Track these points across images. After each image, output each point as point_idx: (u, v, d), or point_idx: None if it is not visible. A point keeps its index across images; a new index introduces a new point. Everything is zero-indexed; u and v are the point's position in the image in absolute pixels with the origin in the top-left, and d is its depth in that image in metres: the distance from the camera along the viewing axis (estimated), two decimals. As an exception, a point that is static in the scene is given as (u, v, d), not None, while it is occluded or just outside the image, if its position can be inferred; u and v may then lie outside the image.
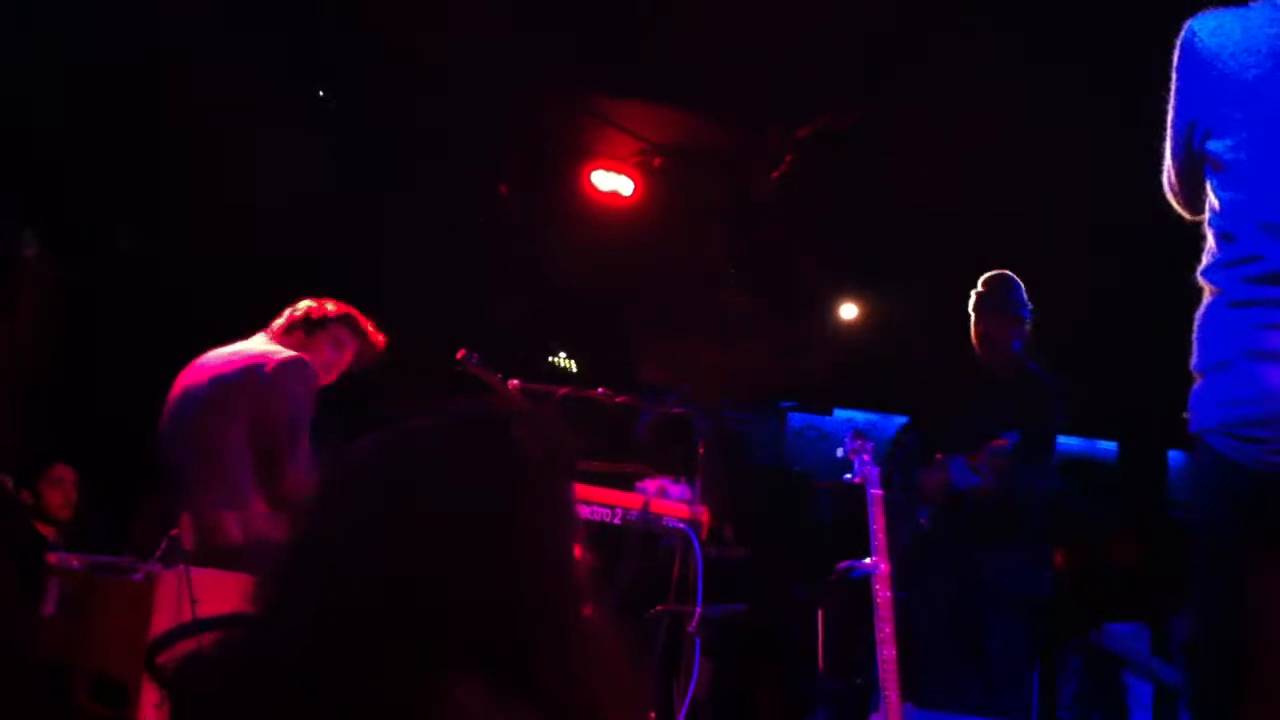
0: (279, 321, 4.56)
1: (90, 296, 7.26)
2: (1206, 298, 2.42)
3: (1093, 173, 7.06)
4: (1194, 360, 2.41)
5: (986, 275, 5.56)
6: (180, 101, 6.68)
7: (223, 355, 4.38)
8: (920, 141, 7.64)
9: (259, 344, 4.44)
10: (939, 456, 5.31)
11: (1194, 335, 2.42)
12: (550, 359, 9.30)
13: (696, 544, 4.51)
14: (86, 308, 7.22)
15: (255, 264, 7.32)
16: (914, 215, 8.31)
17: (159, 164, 7.02)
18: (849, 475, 4.72)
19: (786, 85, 7.44)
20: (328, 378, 4.54)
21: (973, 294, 5.55)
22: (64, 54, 6.49)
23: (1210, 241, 2.43)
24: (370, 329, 4.69)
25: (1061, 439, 5.58)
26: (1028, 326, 5.48)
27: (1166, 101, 2.53)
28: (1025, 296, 5.50)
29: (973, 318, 5.53)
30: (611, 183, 8.61)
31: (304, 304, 4.61)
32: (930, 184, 7.91)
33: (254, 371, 4.25)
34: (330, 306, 4.62)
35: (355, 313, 4.68)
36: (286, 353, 4.35)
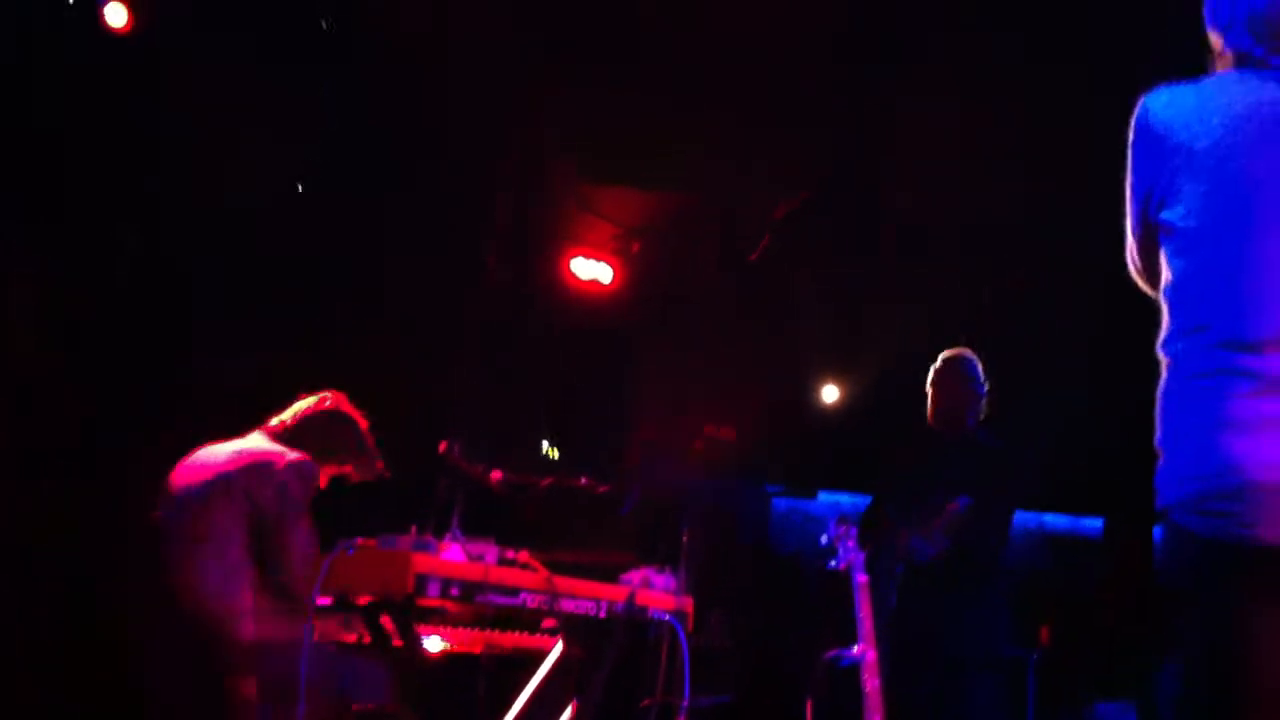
0: (285, 418, 4.55)
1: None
2: (1165, 370, 2.41)
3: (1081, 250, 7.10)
4: (1157, 435, 2.40)
5: (946, 352, 5.67)
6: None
7: (227, 451, 4.38)
8: (892, 221, 7.72)
9: (262, 442, 4.44)
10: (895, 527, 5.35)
11: (1156, 410, 2.41)
12: (543, 444, 9.27)
13: (682, 635, 4.50)
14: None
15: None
16: (892, 294, 8.36)
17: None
18: (833, 562, 4.71)
19: (763, 167, 7.51)
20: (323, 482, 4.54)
21: (932, 369, 5.65)
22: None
23: (1166, 312, 2.43)
24: (371, 444, 4.67)
25: (1050, 518, 5.62)
26: (984, 403, 5.60)
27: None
28: (982, 374, 5.62)
29: (931, 391, 5.63)
30: (591, 270, 8.67)
31: (310, 404, 4.60)
32: (906, 263, 7.98)
33: (261, 469, 4.26)
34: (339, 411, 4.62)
35: (361, 423, 4.66)
36: (294, 454, 4.35)
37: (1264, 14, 2.44)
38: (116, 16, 6.52)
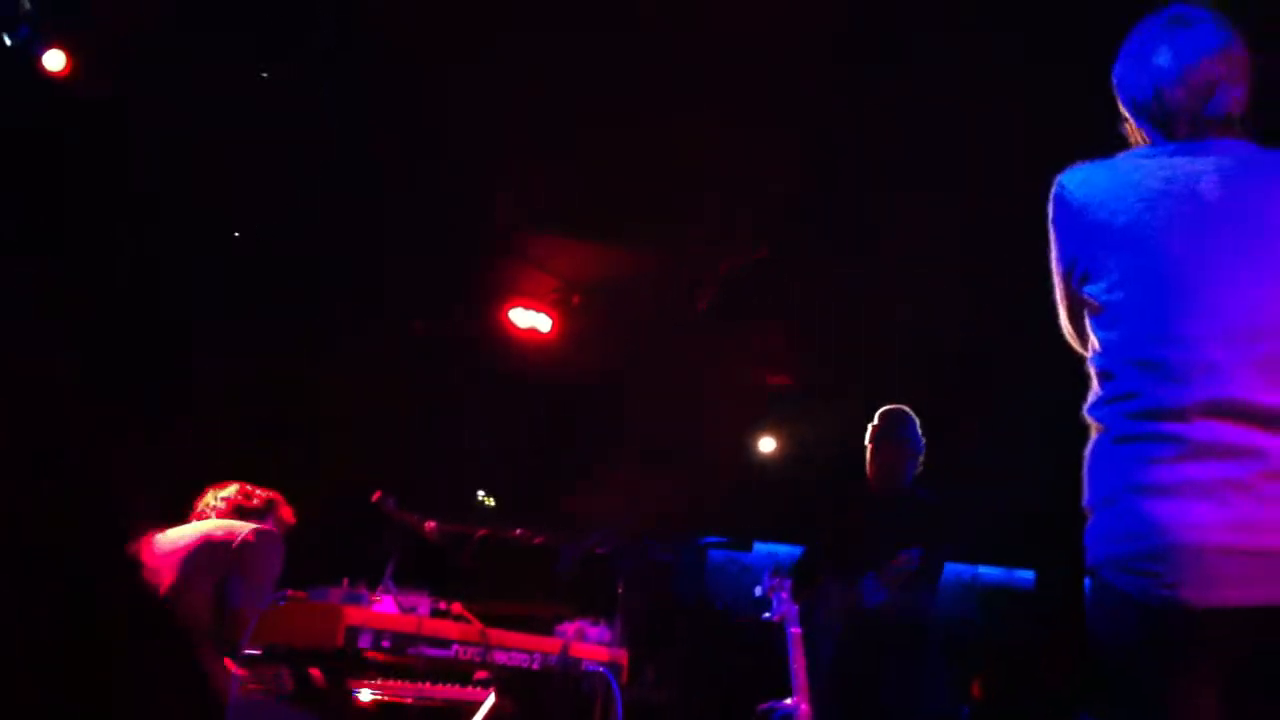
0: (224, 507, 4.52)
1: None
2: (1093, 435, 2.48)
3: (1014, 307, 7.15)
4: (1085, 496, 2.46)
5: (884, 409, 5.72)
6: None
7: (191, 531, 4.36)
8: (829, 274, 7.79)
9: (218, 521, 4.42)
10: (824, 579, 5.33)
11: (1084, 472, 2.47)
12: (479, 494, 9.25)
13: (616, 687, 4.49)
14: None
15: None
16: (829, 346, 8.43)
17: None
18: (768, 614, 4.73)
19: (703, 222, 7.55)
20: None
21: (870, 427, 5.69)
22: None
23: (1093, 380, 2.51)
24: (288, 511, 4.70)
25: (984, 570, 5.64)
26: (920, 459, 5.63)
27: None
28: (920, 432, 5.65)
29: (870, 449, 5.65)
30: (529, 320, 8.68)
31: (236, 490, 4.58)
32: (848, 313, 8.04)
33: (232, 539, 4.25)
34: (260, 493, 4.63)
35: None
36: (256, 524, 4.34)
37: (1145, 104, 2.56)
38: (54, 61, 6.49)
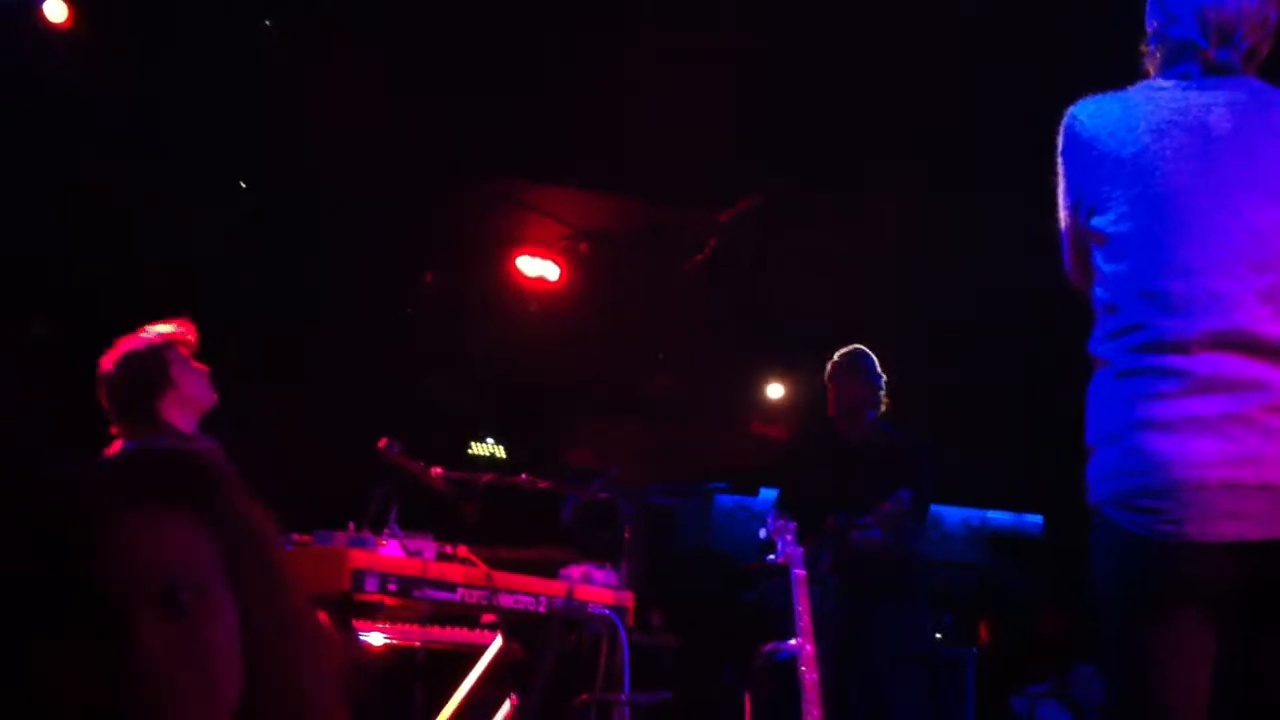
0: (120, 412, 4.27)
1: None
2: (1096, 370, 2.47)
3: (1018, 256, 7.12)
4: (1087, 433, 2.45)
5: (842, 350, 5.70)
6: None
7: None
8: (835, 225, 7.76)
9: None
10: (829, 523, 5.31)
11: (1086, 408, 2.46)
12: (474, 444, 9.26)
13: (622, 630, 4.51)
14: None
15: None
16: (838, 294, 8.40)
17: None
18: (773, 556, 4.74)
19: (708, 169, 7.52)
20: (210, 398, 4.27)
21: (828, 365, 5.68)
22: None
23: (1097, 314, 2.49)
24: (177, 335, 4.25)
25: (993, 514, 5.62)
26: (882, 395, 5.63)
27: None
28: (878, 368, 5.64)
29: (830, 387, 5.65)
30: (538, 268, 8.66)
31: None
32: (852, 263, 8.02)
33: None
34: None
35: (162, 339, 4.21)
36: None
37: (1213, 6, 2.49)
38: (56, 12, 6.46)
